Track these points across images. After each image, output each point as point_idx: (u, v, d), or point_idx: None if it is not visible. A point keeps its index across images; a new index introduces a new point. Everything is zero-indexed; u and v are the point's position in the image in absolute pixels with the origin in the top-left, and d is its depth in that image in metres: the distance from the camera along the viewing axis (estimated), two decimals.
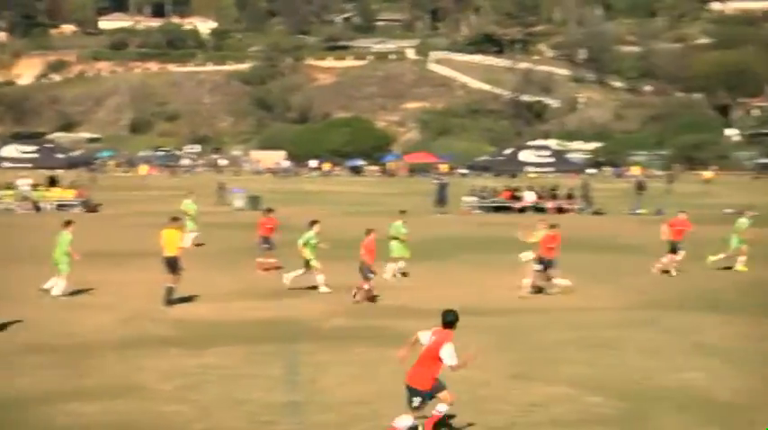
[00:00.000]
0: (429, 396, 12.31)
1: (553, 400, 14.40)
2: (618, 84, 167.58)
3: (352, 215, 49.98)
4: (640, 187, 59.03)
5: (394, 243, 28.17)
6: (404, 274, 27.93)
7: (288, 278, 25.35)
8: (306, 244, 25.03)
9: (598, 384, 15.31)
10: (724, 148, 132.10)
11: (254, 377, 15.88)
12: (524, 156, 57.06)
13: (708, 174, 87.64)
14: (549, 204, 55.35)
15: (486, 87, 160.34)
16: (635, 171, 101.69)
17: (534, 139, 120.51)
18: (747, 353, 17.88)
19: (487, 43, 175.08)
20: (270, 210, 30.53)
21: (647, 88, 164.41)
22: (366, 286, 23.51)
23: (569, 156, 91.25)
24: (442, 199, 55.54)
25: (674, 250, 28.33)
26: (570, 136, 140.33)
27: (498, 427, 13.12)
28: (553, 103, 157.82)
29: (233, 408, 14.08)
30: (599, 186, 69.85)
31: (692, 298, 24.35)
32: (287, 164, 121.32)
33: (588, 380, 15.58)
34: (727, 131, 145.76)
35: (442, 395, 12.34)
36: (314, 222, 25.69)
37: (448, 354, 12.21)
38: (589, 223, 47.40)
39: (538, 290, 24.61)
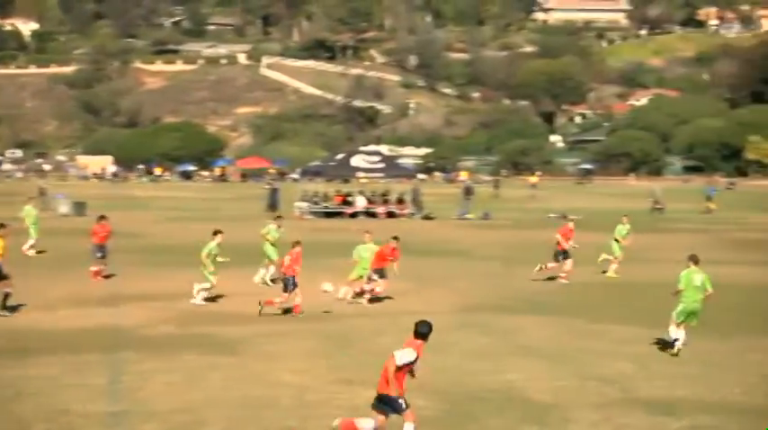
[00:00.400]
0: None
1: None
2: (448, 90, 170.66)
3: (182, 220, 49.32)
4: (468, 192, 60.16)
5: (269, 247, 27.86)
6: (273, 281, 27.47)
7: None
8: (208, 254, 24.07)
9: (423, 387, 15.51)
10: (548, 154, 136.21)
11: (75, 387, 15.48)
12: (356, 161, 57.22)
13: (533, 178, 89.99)
14: (380, 209, 55.88)
15: (319, 92, 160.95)
16: (463, 176, 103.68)
17: (366, 145, 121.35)
18: (566, 354, 18.43)
19: (320, 49, 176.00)
20: (103, 217, 29.66)
21: (476, 95, 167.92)
22: (280, 299, 22.96)
23: (400, 161, 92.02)
24: (273, 203, 55.40)
25: (563, 257, 28.49)
26: (401, 141, 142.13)
27: None
28: (385, 108, 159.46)
29: (52, 420, 13.70)
30: (429, 191, 70.80)
31: (518, 300, 24.98)
32: (114, 169, 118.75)
33: (413, 384, 15.75)
34: (552, 138, 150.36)
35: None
36: (217, 232, 24.65)
37: (400, 354, 12.09)
38: (419, 227, 48.04)
39: (359, 294, 24.73)
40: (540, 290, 27.18)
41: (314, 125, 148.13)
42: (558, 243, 28.35)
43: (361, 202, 57.30)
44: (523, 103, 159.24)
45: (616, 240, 30.19)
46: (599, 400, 14.93)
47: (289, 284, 22.81)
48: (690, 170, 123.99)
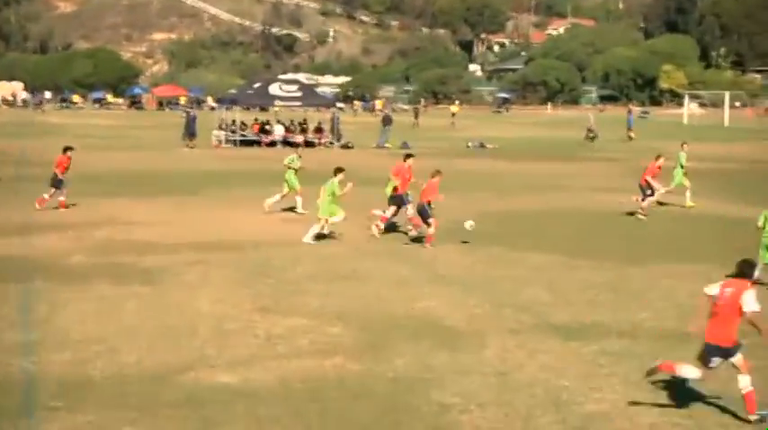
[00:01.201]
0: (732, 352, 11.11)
1: (295, 332, 14.61)
2: (366, 18, 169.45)
3: (99, 149, 48.57)
4: (387, 121, 60.15)
5: (291, 176, 27.58)
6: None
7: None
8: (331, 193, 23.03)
9: (340, 315, 15.63)
10: (467, 83, 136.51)
11: None
12: (274, 89, 56.79)
13: (454, 107, 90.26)
14: (299, 138, 55.64)
15: (236, 19, 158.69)
16: (379, 105, 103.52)
17: (284, 73, 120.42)
18: (482, 282, 18.66)
19: None
20: (69, 148, 28.40)
21: (395, 23, 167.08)
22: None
23: (319, 90, 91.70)
24: (191, 132, 54.82)
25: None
26: (320, 69, 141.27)
27: (241, 360, 13.18)
28: (303, 36, 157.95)
29: None
30: (348, 120, 70.73)
31: (441, 230, 25.11)
32: (25, 95, 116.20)
33: (330, 312, 15.89)
34: (471, 67, 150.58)
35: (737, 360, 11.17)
36: (339, 170, 23.48)
37: (751, 300, 11.03)
38: (338, 157, 47.92)
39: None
40: (459, 218, 27.35)
41: (231, 53, 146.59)
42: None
43: (279, 131, 56.97)
44: (442, 31, 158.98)
45: (681, 166, 30.11)
46: (513, 326, 15.17)
47: (424, 213, 22.53)
48: (605, 99, 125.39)
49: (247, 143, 55.66)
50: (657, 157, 28.73)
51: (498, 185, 28.91)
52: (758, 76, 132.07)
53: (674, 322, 15.47)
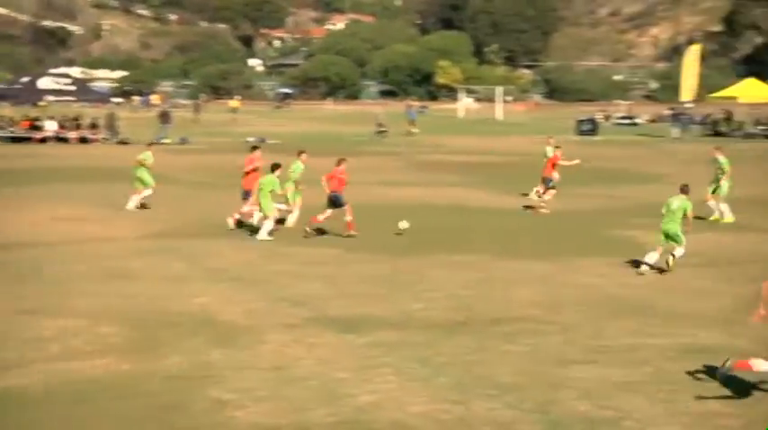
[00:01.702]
0: None
1: (65, 333, 14.22)
2: (143, 12, 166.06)
3: None
4: (164, 117, 59.20)
5: (144, 172, 27.61)
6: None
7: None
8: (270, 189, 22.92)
9: (113, 315, 15.31)
10: (248, 78, 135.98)
11: None
12: (44, 83, 55.12)
13: (234, 102, 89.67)
14: (72, 134, 54.04)
15: (3, 11, 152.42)
16: (155, 100, 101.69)
17: (57, 67, 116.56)
18: (258, 277, 18.65)
19: None
20: None
21: (173, 17, 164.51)
22: None
23: (93, 84, 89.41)
24: None
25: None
26: (95, 64, 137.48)
27: (8, 364, 12.72)
28: (76, 29, 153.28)
29: None
30: (125, 116, 69.16)
31: (211, 225, 24.91)
32: None
33: (103, 312, 15.53)
34: (251, 62, 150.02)
35: None
36: (276, 166, 23.38)
37: None
38: (113, 153, 46.85)
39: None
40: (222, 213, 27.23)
41: None
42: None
43: (51, 127, 55.14)
44: (222, 26, 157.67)
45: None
46: (289, 321, 15.23)
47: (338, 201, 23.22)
48: (385, 94, 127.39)
49: (17, 140, 53.62)
50: (557, 148, 29.25)
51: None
52: (528, 71, 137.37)
53: (446, 312, 15.91)
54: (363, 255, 21.19)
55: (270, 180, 23.09)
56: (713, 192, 26.71)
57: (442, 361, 13.04)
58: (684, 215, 19.26)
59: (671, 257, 19.31)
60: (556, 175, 28.60)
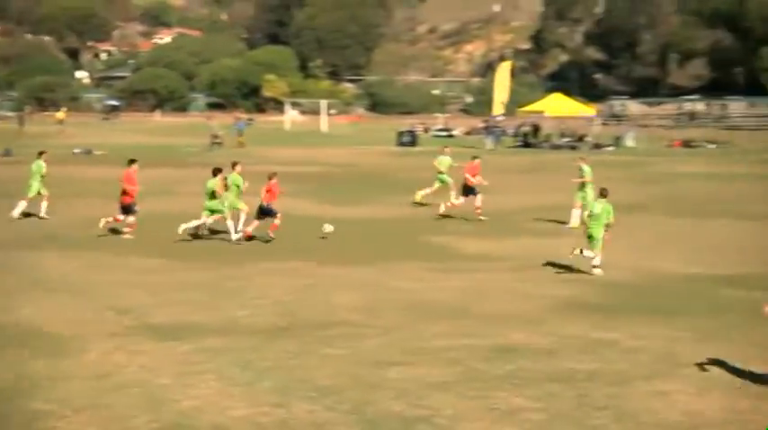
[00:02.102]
0: None
1: None
2: None
3: None
4: None
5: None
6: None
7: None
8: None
9: None
10: (75, 90, 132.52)
11: None
12: None
13: (60, 114, 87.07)
14: None
15: None
16: None
17: None
18: (85, 287, 18.17)
19: None
20: None
21: None
22: None
23: None
24: None
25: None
26: None
27: None
28: None
29: None
30: None
31: (37, 236, 24.18)
32: None
33: None
34: (78, 74, 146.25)
35: None
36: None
37: None
38: None
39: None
40: (62, 224, 26.49)
41: None
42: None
43: None
44: (47, 38, 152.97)
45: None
46: (114, 329, 14.91)
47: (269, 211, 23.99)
48: (213, 106, 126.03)
49: None
50: (474, 158, 29.67)
51: (107, 191, 28.20)
52: (351, 85, 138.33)
53: (270, 318, 15.86)
54: (191, 263, 20.94)
55: (213, 182, 23.80)
56: (583, 199, 26.91)
57: (265, 365, 12.98)
58: (608, 215, 19.76)
59: (579, 251, 19.88)
60: (479, 179, 29.12)
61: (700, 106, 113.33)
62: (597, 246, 19.80)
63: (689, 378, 12.52)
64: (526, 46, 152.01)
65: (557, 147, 65.09)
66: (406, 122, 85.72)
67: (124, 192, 24.34)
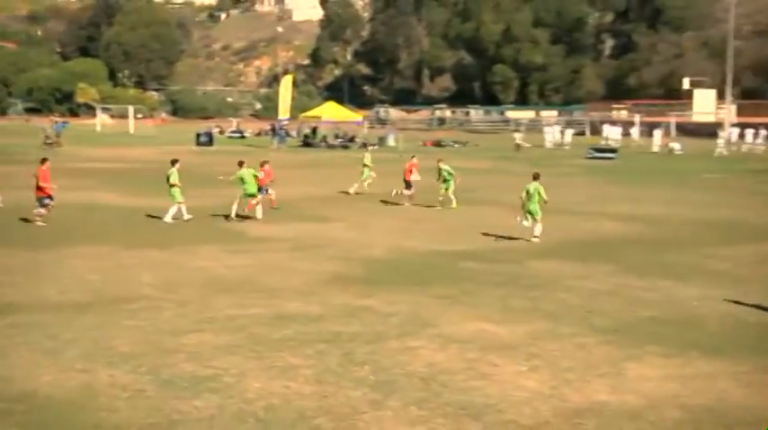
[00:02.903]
0: None
1: None
2: None
3: None
4: None
5: None
6: None
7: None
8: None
9: None
10: None
11: None
12: None
13: None
14: None
15: None
16: None
17: None
18: None
19: None
20: None
21: None
22: None
23: None
24: None
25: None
26: None
27: None
28: None
29: None
30: None
31: None
32: None
33: None
34: None
35: None
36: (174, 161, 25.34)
37: None
38: None
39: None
40: None
41: None
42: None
43: None
44: None
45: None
46: None
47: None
48: (30, 111, 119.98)
49: None
50: (413, 157, 30.22)
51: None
52: (156, 93, 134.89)
53: (77, 295, 15.27)
54: (9, 249, 19.81)
55: (173, 172, 24.72)
56: (446, 190, 28.37)
57: (71, 337, 12.49)
58: (539, 195, 21.23)
59: (535, 236, 21.32)
60: (417, 177, 29.56)
61: (447, 113, 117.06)
62: (538, 219, 21.34)
63: (432, 336, 12.90)
64: (306, 62, 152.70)
65: (332, 147, 65.74)
66: (204, 125, 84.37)
67: (39, 188, 23.71)
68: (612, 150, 58.73)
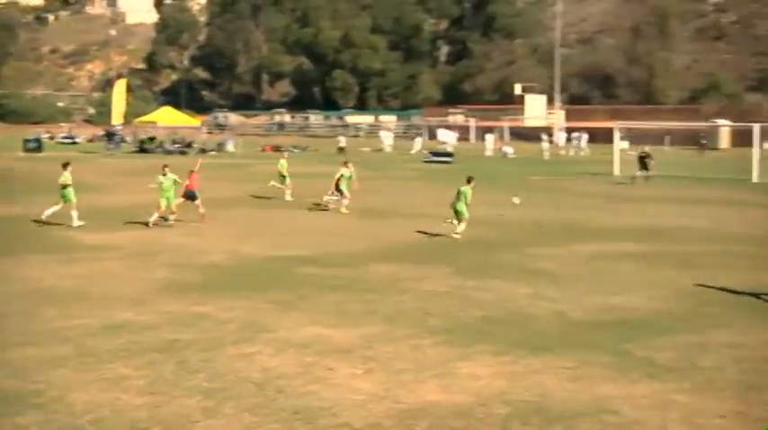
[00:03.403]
0: None
1: None
2: None
3: None
4: None
5: None
6: None
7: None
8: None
9: None
10: None
11: None
12: None
13: None
14: None
15: None
16: None
17: None
18: None
19: None
20: None
21: None
22: None
23: None
24: None
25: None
26: None
27: None
28: None
29: None
30: None
31: None
32: None
33: None
34: None
35: None
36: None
37: None
38: None
39: None
40: None
41: None
42: None
43: None
44: None
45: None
46: None
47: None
48: None
49: None
50: (345, 163, 29.99)
51: None
52: None
53: None
54: None
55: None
56: (339, 188, 28.96)
57: None
58: (466, 197, 23.10)
59: (456, 233, 23.00)
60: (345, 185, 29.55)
61: (287, 118, 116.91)
62: (463, 219, 23.13)
63: (268, 341, 12.83)
64: (141, 66, 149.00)
65: (168, 152, 64.28)
66: (34, 130, 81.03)
67: None
68: (449, 154, 60.23)
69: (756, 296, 15.94)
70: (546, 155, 63.88)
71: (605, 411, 9.81)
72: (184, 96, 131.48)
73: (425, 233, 24.37)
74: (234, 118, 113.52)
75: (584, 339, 13.02)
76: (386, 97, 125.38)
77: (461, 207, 23.19)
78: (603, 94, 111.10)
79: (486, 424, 9.50)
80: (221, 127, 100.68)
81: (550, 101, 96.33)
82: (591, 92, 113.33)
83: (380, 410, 9.88)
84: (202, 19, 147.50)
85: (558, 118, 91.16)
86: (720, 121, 77.60)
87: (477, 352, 12.27)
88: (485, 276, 17.92)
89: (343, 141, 68.47)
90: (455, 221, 23.38)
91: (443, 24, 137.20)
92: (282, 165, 33.28)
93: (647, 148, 42.20)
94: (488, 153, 65.67)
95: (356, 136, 76.37)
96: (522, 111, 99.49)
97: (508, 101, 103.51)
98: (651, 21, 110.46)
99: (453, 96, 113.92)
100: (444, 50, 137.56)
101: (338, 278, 17.71)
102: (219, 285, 16.91)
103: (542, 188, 38.75)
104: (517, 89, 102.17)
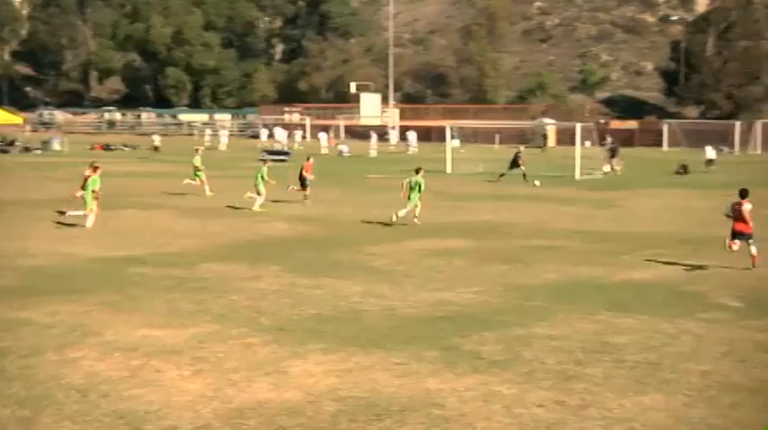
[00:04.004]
0: None
1: None
2: None
3: None
4: None
5: None
6: None
7: None
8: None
9: None
10: None
11: None
12: None
13: None
14: None
15: None
16: None
17: None
18: None
19: None
20: None
21: None
22: None
23: None
24: None
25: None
26: None
27: None
28: None
29: None
30: None
31: None
32: None
33: None
34: None
35: None
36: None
37: None
38: None
39: None
40: None
41: None
42: None
43: None
44: None
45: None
46: None
47: None
48: None
49: None
50: (308, 158, 31.87)
51: None
52: None
53: None
54: None
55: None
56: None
57: None
58: (419, 187, 25.33)
59: (395, 215, 25.05)
60: (311, 177, 30.81)
61: (118, 115, 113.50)
62: (410, 206, 25.28)
63: (94, 345, 12.41)
64: None
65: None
66: None
67: None
68: (285, 153, 60.00)
69: (578, 289, 16.73)
70: (373, 153, 64.83)
71: (432, 405, 10.04)
72: (6, 93, 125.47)
73: (258, 231, 24.19)
74: (60, 115, 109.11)
75: (414, 334, 13.27)
76: (220, 95, 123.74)
77: (415, 196, 25.38)
78: (437, 93, 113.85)
79: (315, 421, 9.53)
80: (47, 125, 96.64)
81: (385, 100, 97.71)
82: (424, 91, 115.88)
83: (209, 411, 9.75)
84: (24, 12, 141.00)
85: (392, 116, 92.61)
86: (547, 120, 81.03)
87: (308, 350, 12.29)
88: (318, 274, 17.98)
89: (157, 140, 66.94)
90: (401, 212, 25.13)
91: (278, 22, 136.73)
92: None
93: (521, 148, 43.83)
94: (324, 151, 65.93)
95: (190, 134, 74.82)
96: (357, 110, 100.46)
97: (344, 99, 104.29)
98: (481, 22, 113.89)
99: (289, 95, 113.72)
100: (279, 49, 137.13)
101: (169, 278, 17.35)
102: (43, 288, 16.22)
103: (380, 186, 39.22)
104: (352, 88, 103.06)
